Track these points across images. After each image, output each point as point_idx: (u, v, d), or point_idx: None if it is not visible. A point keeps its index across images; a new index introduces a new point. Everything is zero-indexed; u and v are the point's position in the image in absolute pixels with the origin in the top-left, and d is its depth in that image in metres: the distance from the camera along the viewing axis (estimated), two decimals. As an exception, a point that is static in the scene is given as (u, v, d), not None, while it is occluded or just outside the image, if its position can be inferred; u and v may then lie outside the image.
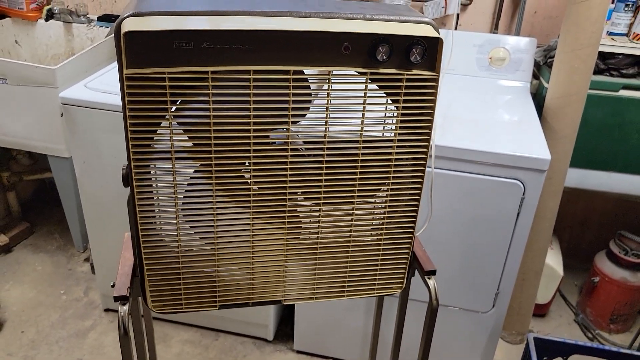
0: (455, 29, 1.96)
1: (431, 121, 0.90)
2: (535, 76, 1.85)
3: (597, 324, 2.10)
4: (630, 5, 1.66)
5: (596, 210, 2.30)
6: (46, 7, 2.26)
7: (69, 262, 2.27)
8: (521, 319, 1.94)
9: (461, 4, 1.95)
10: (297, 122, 0.87)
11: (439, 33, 0.84)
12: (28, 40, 2.33)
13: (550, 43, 1.81)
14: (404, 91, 0.86)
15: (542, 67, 1.81)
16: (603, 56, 1.70)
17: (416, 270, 1.07)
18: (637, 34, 1.67)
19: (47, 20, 2.27)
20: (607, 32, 1.71)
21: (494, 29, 1.97)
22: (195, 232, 0.92)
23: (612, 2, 1.67)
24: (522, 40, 1.78)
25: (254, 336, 1.93)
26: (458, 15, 1.95)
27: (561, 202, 1.78)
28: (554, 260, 2.02)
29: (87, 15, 2.28)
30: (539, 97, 1.76)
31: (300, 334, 1.83)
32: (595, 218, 2.32)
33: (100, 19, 2.26)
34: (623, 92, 1.68)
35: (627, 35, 1.71)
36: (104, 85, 1.65)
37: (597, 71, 1.71)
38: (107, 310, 2.02)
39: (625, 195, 1.85)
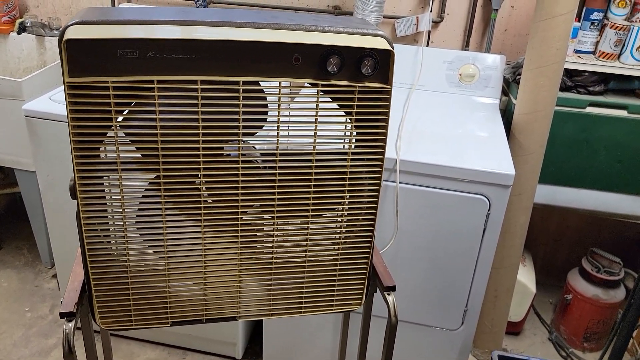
0: (427, 45, 1.98)
1: (385, 133, 0.89)
2: (505, 93, 1.87)
3: (571, 342, 2.09)
4: (596, 24, 1.68)
5: (569, 227, 2.30)
6: (18, 20, 2.24)
7: (36, 278, 2.22)
8: (494, 337, 1.93)
9: (432, 22, 1.97)
10: (250, 134, 0.86)
11: (392, 46, 0.84)
12: (0, 53, 2.30)
13: (518, 60, 1.83)
14: (356, 103, 0.86)
15: (511, 84, 1.83)
16: (570, 73, 1.71)
17: (377, 287, 1.06)
18: (603, 52, 1.69)
19: (19, 33, 2.25)
20: (574, 49, 1.73)
21: (465, 46, 1.98)
22: (147, 247, 0.89)
23: (578, 21, 1.70)
24: (491, 57, 1.79)
25: (222, 355, 1.89)
26: (429, 32, 1.96)
27: (534, 219, 1.78)
28: (526, 277, 2.01)
29: (60, 29, 2.26)
30: (508, 114, 1.77)
31: (269, 353, 1.79)
32: (569, 235, 2.32)
33: (73, 32, 2.24)
34: (590, 109, 1.70)
35: (593, 53, 1.73)
36: (69, 98, 1.62)
37: (565, 88, 1.72)
38: (72, 328, 1.97)
39: (596, 212, 1.86)
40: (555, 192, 1.81)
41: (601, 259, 2.00)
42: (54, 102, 1.60)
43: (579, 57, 1.72)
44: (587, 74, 1.70)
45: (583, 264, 2.01)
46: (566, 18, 1.47)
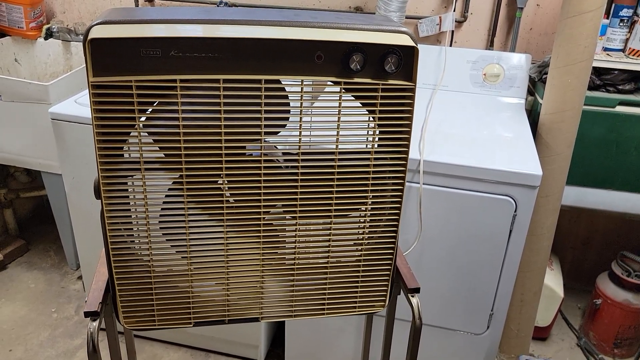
0: (451, 45, 1.95)
1: (409, 132, 0.87)
2: (530, 92, 1.83)
3: (601, 349, 2.03)
4: (625, 21, 1.64)
5: (599, 230, 2.24)
6: (45, 26, 2.28)
7: (62, 279, 2.25)
8: (520, 341, 1.88)
9: (456, 21, 1.94)
10: (273, 133, 0.85)
11: (415, 42, 0.83)
12: (27, 58, 2.35)
13: (545, 59, 1.79)
14: (379, 101, 0.84)
15: (537, 83, 1.79)
16: (599, 72, 1.67)
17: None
18: (633, 50, 1.65)
19: (46, 39, 2.29)
20: (603, 47, 1.68)
21: (490, 45, 1.95)
22: (170, 246, 0.89)
23: (607, 18, 1.65)
24: (516, 57, 1.76)
25: (244, 357, 1.88)
26: (453, 32, 1.94)
27: (563, 221, 1.74)
28: (553, 281, 1.96)
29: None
30: (534, 114, 1.73)
31: (291, 355, 1.78)
32: (598, 238, 2.26)
33: (98, 37, 2.28)
34: (620, 108, 1.65)
35: (623, 50, 1.68)
36: (94, 101, 1.64)
37: (593, 87, 1.68)
38: (97, 329, 1.99)
39: (627, 214, 1.81)
40: (584, 194, 1.76)
41: (632, 263, 1.94)
42: (79, 105, 1.62)
43: (607, 54, 1.67)
44: (616, 72, 1.66)
45: (613, 268, 1.96)
46: (594, 15, 1.43)
